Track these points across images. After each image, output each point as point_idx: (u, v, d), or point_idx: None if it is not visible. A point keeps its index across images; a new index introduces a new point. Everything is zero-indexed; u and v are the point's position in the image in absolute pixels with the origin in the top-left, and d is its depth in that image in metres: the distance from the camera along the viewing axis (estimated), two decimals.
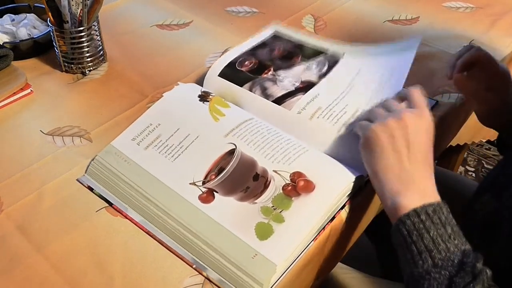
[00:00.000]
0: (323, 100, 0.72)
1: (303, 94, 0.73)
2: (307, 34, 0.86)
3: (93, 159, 0.68)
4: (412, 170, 0.57)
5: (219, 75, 0.77)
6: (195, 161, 0.65)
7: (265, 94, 0.74)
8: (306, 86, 0.74)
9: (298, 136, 0.68)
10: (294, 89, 0.74)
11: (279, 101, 0.73)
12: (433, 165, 0.59)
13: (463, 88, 0.75)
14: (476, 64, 0.73)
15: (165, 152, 0.66)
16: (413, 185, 0.56)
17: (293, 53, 0.80)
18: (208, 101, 0.72)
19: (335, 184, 0.61)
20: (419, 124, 0.59)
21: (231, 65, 0.79)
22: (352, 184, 0.62)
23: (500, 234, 0.57)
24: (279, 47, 0.82)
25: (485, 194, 0.61)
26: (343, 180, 0.62)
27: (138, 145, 0.68)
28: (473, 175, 1.73)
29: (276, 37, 0.85)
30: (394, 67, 0.74)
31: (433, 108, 0.77)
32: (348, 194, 0.63)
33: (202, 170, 0.64)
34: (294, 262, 0.57)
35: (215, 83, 0.77)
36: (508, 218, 0.56)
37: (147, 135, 0.69)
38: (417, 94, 0.62)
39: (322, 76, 0.76)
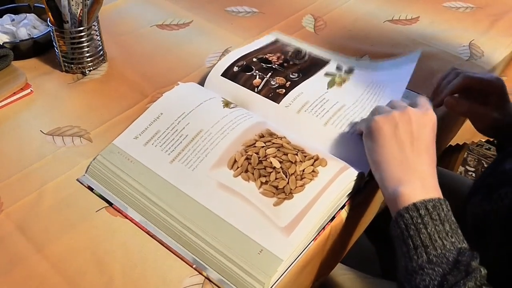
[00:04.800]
0: (311, 95, 0.74)
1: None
2: (306, 43, 0.87)
3: (94, 159, 0.68)
4: (414, 160, 0.57)
5: (221, 75, 0.78)
6: (200, 156, 0.65)
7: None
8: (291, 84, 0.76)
9: (287, 129, 0.69)
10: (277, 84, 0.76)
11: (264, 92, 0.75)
12: (436, 162, 0.59)
13: (456, 110, 0.73)
14: (467, 87, 0.72)
15: (168, 149, 0.66)
16: (415, 175, 0.56)
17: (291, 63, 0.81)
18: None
19: (338, 180, 0.62)
20: (423, 120, 0.60)
21: (232, 66, 0.79)
22: (354, 181, 0.62)
23: (491, 237, 0.56)
24: (279, 54, 0.82)
25: (476, 195, 0.61)
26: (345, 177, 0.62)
27: (141, 143, 0.68)
28: (473, 175, 1.73)
29: (277, 42, 0.86)
30: (392, 80, 0.76)
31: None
32: (348, 194, 0.63)
33: (207, 164, 0.64)
34: (295, 261, 0.57)
35: (218, 83, 0.77)
36: (498, 221, 0.56)
37: (149, 133, 0.69)
38: (423, 98, 0.64)
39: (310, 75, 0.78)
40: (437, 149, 0.71)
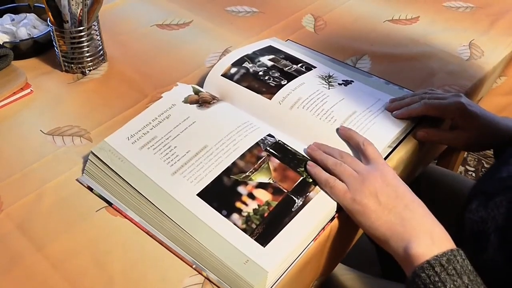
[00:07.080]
0: (303, 91, 0.74)
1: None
2: (299, 50, 0.86)
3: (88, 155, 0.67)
4: (411, 216, 0.56)
5: (221, 75, 0.78)
6: (201, 174, 0.63)
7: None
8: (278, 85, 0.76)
9: (280, 126, 0.70)
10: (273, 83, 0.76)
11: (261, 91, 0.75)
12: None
13: (428, 141, 0.73)
14: (426, 114, 0.72)
15: (161, 154, 0.65)
16: (420, 230, 0.55)
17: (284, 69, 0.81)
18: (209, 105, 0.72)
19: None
20: (389, 175, 0.60)
21: (232, 67, 0.79)
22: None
23: (487, 242, 0.56)
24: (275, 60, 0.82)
25: (474, 202, 0.61)
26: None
27: (133, 144, 0.66)
28: (473, 174, 1.73)
29: (272, 48, 0.86)
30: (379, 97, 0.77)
31: (415, 127, 0.74)
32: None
33: (209, 180, 0.63)
34: (290, 268, 0.57)
35: (217, 83, 0.77)
36: (494, 229, 0.56)
37: (143, 135, 0.67)
38: (370, 149, 0.64)
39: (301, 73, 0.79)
40: (437, 150, 0.71)
